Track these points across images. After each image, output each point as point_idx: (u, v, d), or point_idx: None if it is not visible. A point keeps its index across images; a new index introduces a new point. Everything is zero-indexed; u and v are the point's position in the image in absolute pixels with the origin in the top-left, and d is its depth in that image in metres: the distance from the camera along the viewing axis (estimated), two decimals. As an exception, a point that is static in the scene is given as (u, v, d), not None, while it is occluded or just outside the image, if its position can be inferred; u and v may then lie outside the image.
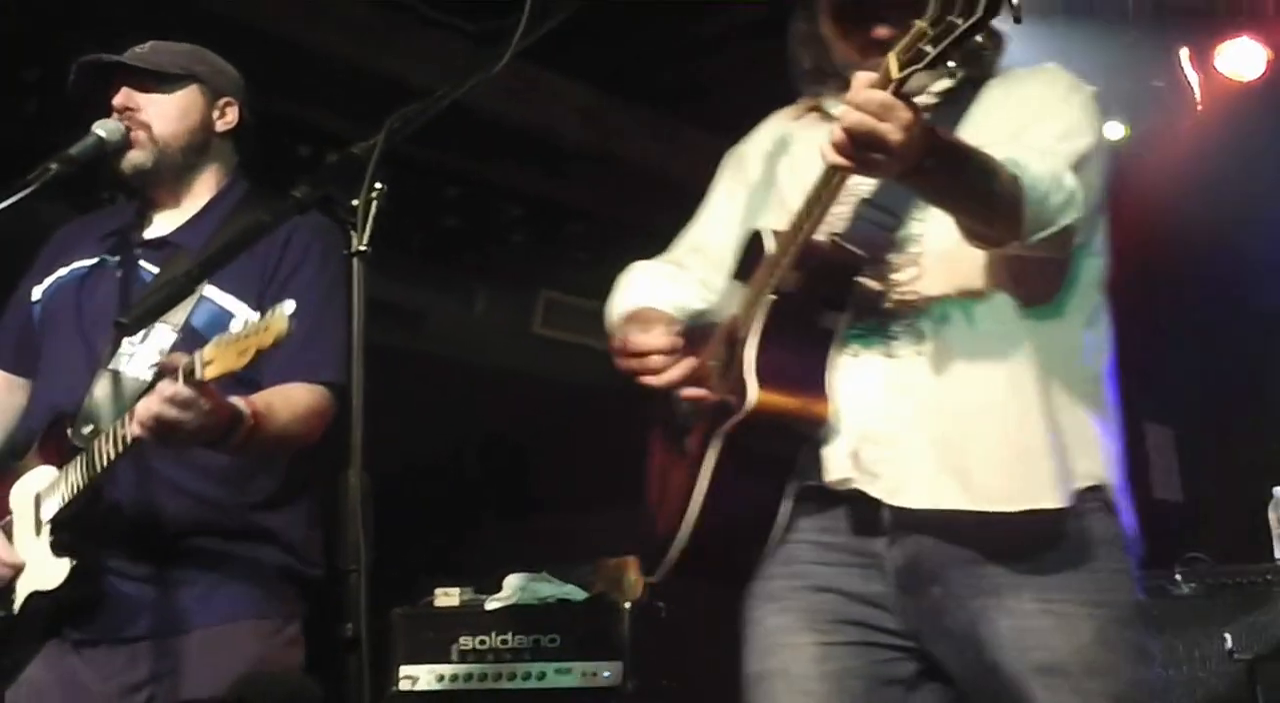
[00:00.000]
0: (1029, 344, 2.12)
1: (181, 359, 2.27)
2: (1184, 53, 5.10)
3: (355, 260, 1.83)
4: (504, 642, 4.06)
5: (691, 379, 2.18)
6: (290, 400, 2.55)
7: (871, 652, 2.12)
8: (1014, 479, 2.06)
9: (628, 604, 3.93)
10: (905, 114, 1.84)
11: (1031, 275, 2.15)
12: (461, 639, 4.10)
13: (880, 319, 2.14)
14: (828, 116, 2.31)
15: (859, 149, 1.85)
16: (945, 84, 2.23)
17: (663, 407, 2.28)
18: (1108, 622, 2.06)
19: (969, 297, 2.13)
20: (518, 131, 4.92)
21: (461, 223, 5.50)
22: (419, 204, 5.15)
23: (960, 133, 2.13)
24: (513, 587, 4.15)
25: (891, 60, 1.84)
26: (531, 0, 1.97)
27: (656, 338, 2.20)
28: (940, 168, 1.92)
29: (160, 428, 2.29)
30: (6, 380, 2.86)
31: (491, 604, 4.13)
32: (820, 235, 2.11)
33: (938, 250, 2.14)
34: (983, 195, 1.98)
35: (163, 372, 2.30)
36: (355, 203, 1.84)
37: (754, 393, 2.05)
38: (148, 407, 2.30)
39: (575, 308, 6.11)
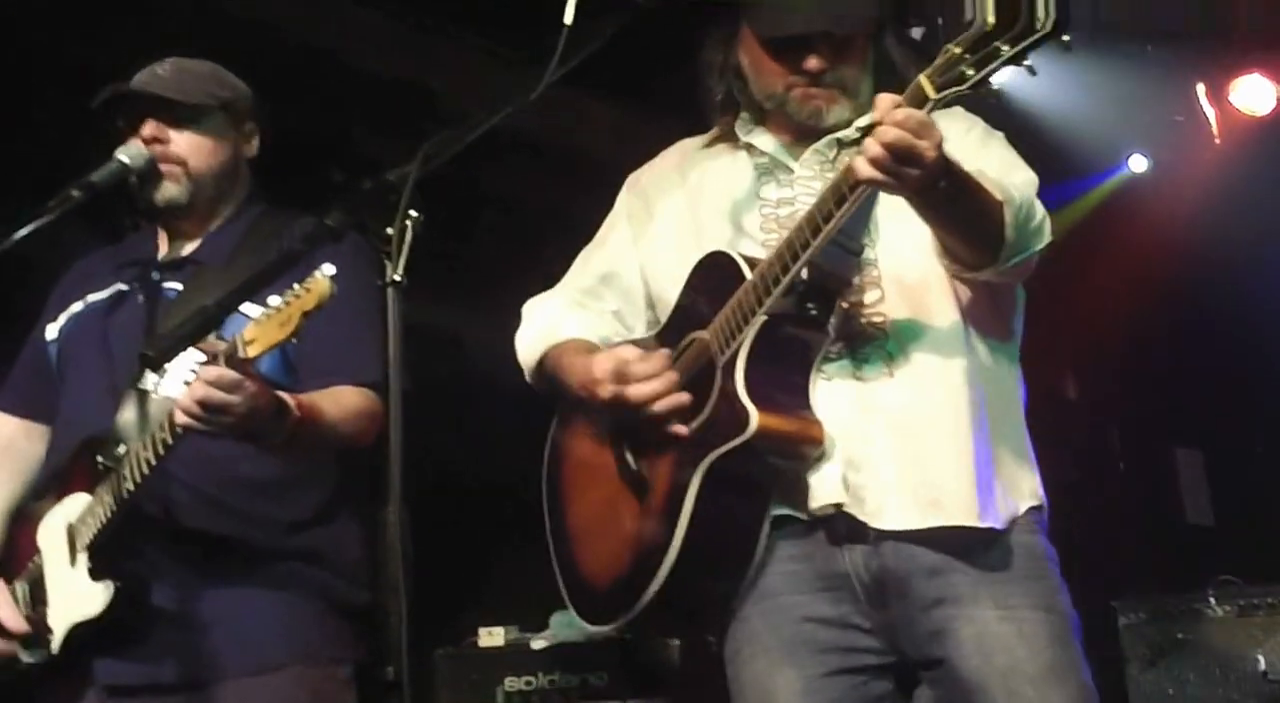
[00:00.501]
0: (982, 370, 2.25)
1: (221, 344, 2.20)
2: (1200, 88, 5.18)
3: (390, 291, 1.78)
4: (551, 682, 3.98)
5: (677, 410, 2.19)
6: (338, 401, 2.49)
7: (852, 677, 2.19)
8: (972, 498, 2.17)
9: (676, 640, 3.88)
10: (938, 133, 1.96)
11: (991, 306, 2.29)
12: (507, 681, 4.01)
13: (850, 342, 2.22)
14: (738, 146, 2.41)
15: (897, 163, 1.94)
16: (868, 120, 2.20)
17: (612, 429, 2.28)
18: (1061, 628, 2.20)
19: (929, 321, 2.23)
20: (550, 148, 4.92)
21: (495, 242, 5.47)
22: (454, 226, 5.10)
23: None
24: (558, 624, 4.05)
25: (925, 82, 1.94)
26: (567, 26, 1.96)
27: (655, 363, 2.20)
28: (952, 189, 2.02)
29: (208, 412, 2.23)
30: (25, 428, 2.81)
31: (537, 643, 4.03)
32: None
33: (894, 274, 2.24)
34: (975, 217, 2.09)
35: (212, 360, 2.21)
36: (390, 231, 1.80)
37: (755, 416, 2.08)
38: (192, 393, 2.23)
39: None
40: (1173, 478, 6.09)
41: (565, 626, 4.05)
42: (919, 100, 1.93)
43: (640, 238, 2.47)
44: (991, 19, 1.83)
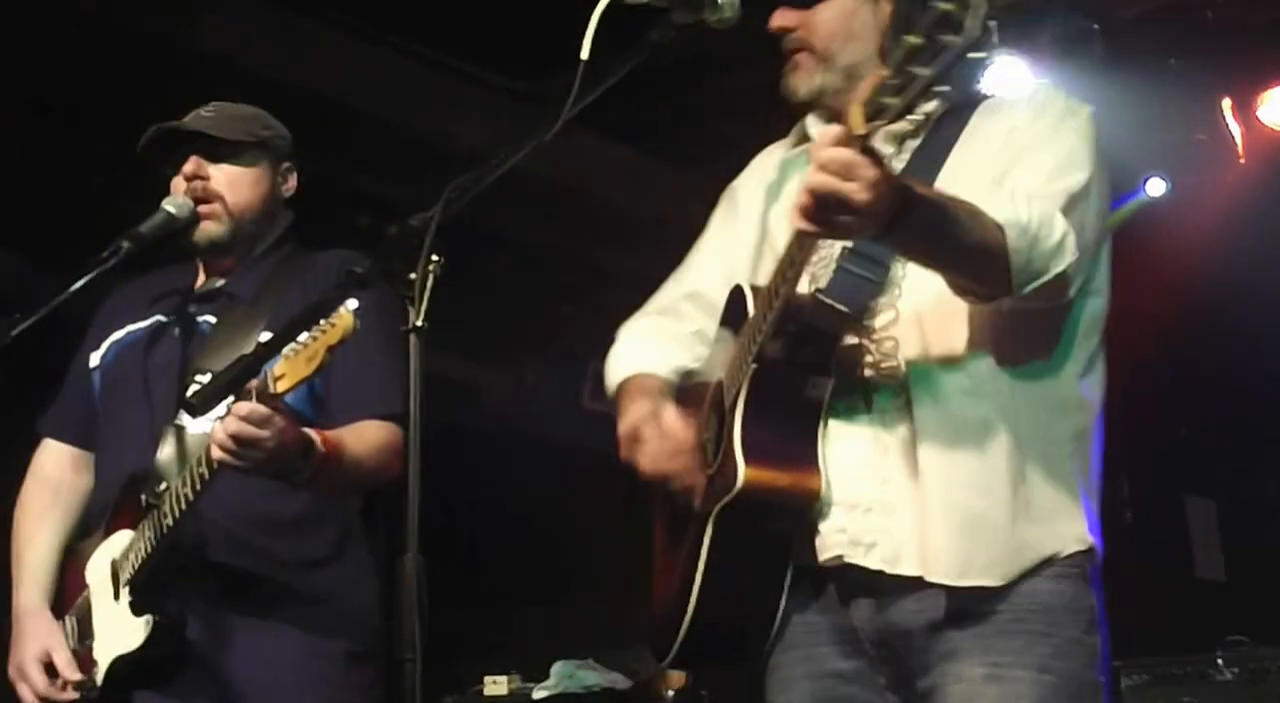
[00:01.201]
0: (1014, 406, 2.07)
1: (252, 381, 2.29)
2: (1226, 103, 4.98)
3: (412, 337, 1.84)
4: (552, 731, 4.08)
5: (685, 469, 2.15)
6: (363, 436, 2.57)
7: None
8: (972, 553, 2.02)
9: (671, 692, 4.02)
10: (869, 172, 1.75)
11: (1024, 330, 2.08)
12: (511, 728, 4.13)
13: (865, 379, 2.09)
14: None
15: (824, 212, 1.78)
16: (931, 107, 2.11)
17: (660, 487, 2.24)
18: (1054, 692, 2.03)
19: (953, 355, 2.07)
20: (566, 196, 5.01)
21: (512, 290, 5.56)
22: (474, 272, 5.19)
23: (946, 166, 2.09)
24: (559, 675, 4.22)
25: (855, 113, 1.75)
26: (583, 65, 1.99)
27: (668, 426, 2.17)
28: (917, 225, 1.85)
29: (240, 447, 2.31)
30: (73, 458, 2.90)
31: (539, 693, 4.23)
32: (803, 287, 2.05)
33: (920, 305, 2.08)
34: (965, 250, 1.93)
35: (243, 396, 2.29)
36: (412, 276, 1.86)
37: (742, 471, 2.02)
38: (225, 427, 2.32)
39: None
40: (1183, 529, 5.91)
41: (566, 677, 4.20)
42: (847, 136, 1.76)
43: (727, 250, 2.38)
44: (916, 39, 1.63)
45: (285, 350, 2.22)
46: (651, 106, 4.43)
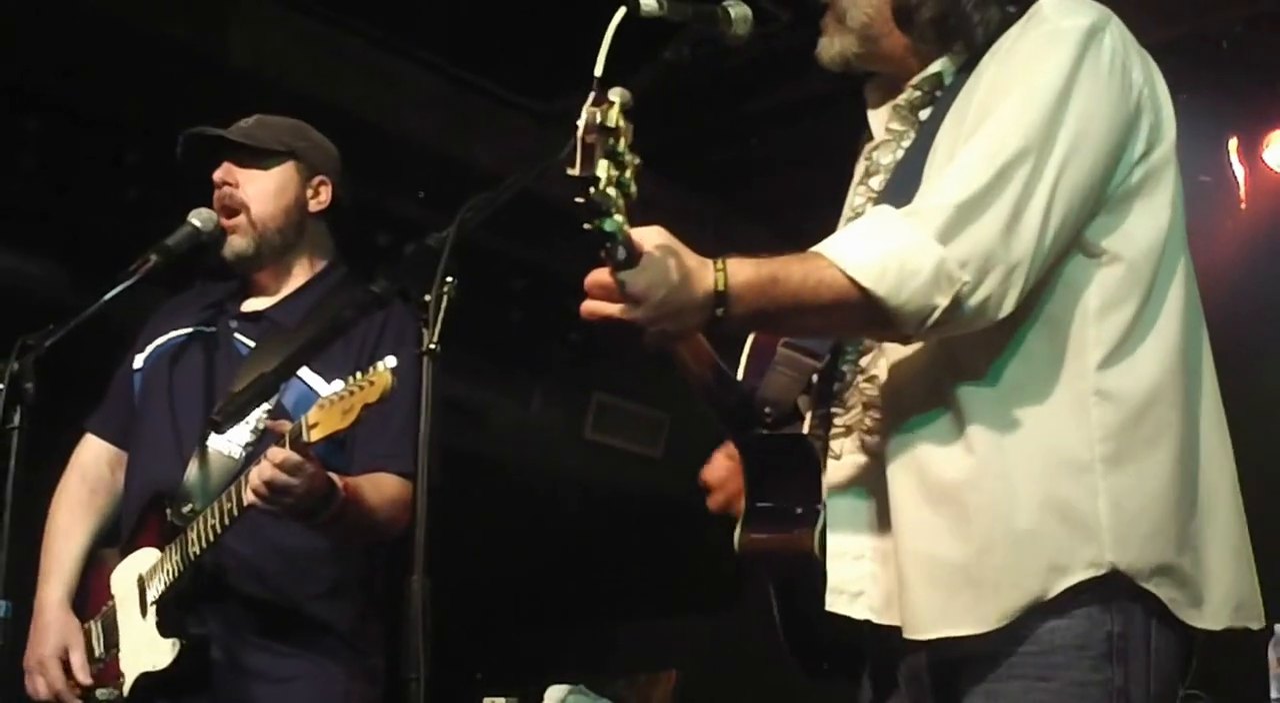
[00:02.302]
0: (1001, 424, 1.78)
1: (286, 425, 2.34)
2: (1233, 143, 4.72)
3: (425, 359, 1.82)
4: (546, 752, 4.13)
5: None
6: (380, 488, 2.59)
7: None
8: (943, 602, 1.79)
9: None
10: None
11: (998, 340, 1.80)
12: (507, 748, 4.18)
13: (858, 421, 1.92)
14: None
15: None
16: (935, 69, 1.92)
17: None
18: None
19: (929, 382, 1.84)
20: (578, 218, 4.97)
21: (524, 316, 5.52)
22: (486, 296, 5.16)
23: (935, 140, 1.87)
24: (553, 699, 4.24)
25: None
26: (596, 83, 1.98)
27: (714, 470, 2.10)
28: (744, 320, 1.72)
29: (271, 493, 2.35)
30: (111, 456, 2.92)
31: None
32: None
33: None
34: (819, 321, 1.78)
35: (267, 439, 2.38)
36: (427, 298, 1.83)
37: (736, 540, 1.95)
38: (260, 473, 2.35)
39: (627, 413, 6.01)
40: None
41: (558, 701, 4.23)
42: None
43: None
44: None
45: (322, 400, 2.25)
46: (672, 131, 4.39)
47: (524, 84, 4.77)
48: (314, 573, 2.66)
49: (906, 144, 1.95)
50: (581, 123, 1.55)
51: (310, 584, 2.65)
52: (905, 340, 1.80)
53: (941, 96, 1.91)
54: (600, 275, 1.64)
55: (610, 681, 4.42)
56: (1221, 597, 1.84)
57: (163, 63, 4.30)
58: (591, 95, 1.58)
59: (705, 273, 1.66)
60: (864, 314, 1.72)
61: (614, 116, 1.55)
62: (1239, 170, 4.71)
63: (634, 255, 1.62)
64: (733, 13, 1.92)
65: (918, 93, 1.94)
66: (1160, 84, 1.87)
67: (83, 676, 2.68)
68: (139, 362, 2.86)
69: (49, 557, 2.83)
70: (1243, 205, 4.68)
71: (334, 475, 2.45)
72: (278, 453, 2.34)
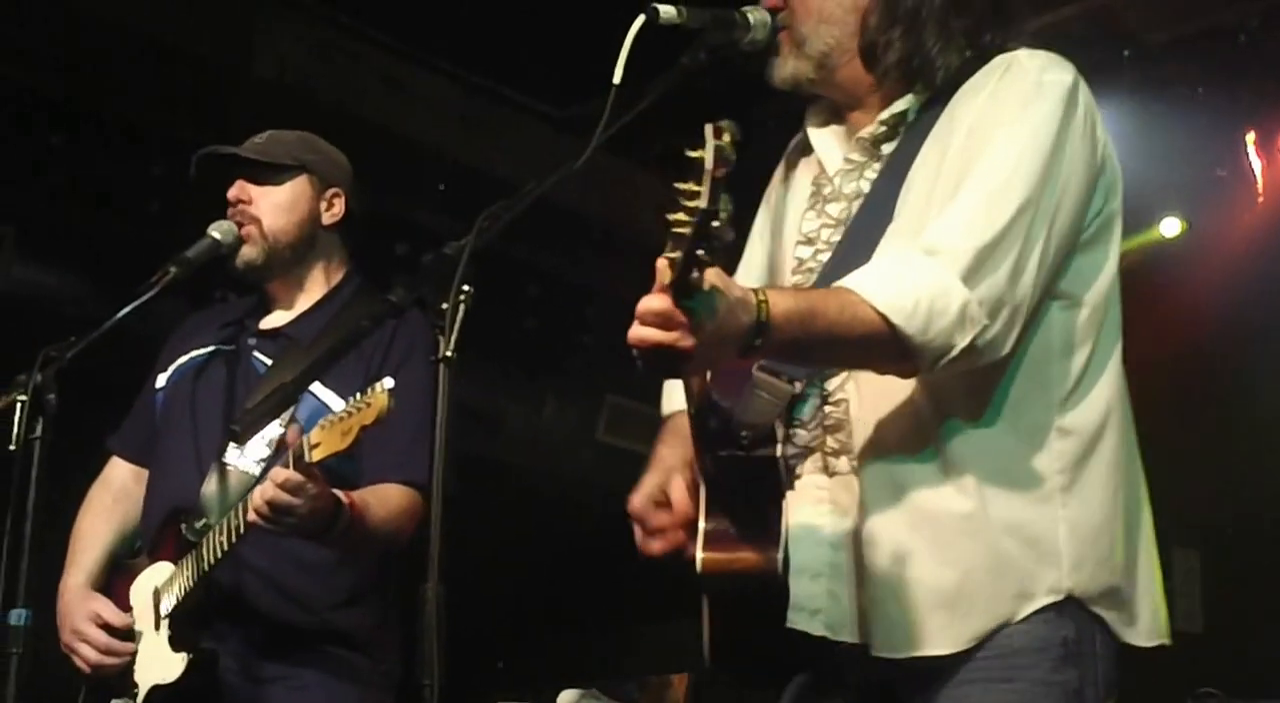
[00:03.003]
0: (967, 454, 1.85)
1: (295, 440, 2.34)
2: (1250, 137, 4.68)
3: (441, 366, 1.81)
4: (559, 757, 4.13)
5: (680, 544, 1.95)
6: (385, 501, 2.58)
7: None
8: (914, 624, 1.83)
9: None
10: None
11: (973, 374, 1.84)
12: (521, 753, 4.19)
13: (822, 443, 1.93)
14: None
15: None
16: (904, 104, 1.94)
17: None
18: None
19: (899, 408, 1.88)
20: (593, 225, 4.98)
21: (539, 322, 5.54)
22: (500, 302, 5.18)
23: (908, 178, 1.90)
24: (565, 702, 4.22)
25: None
26: (614, 91, 1.92)
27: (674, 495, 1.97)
28: (776, 348, 1.71)
29: (273, 513, 2.35)
30: (135, 473, 2.92)
31: None
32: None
33: None
34: (844, 356, 1.81)
35: (281, 454, 2.37)
36: (444, 306, 1.82)
37: (699, 562, 1.86)
38: (262, 493, 2.36)
39: (640, 415, 5.94)
40: (1165, 579, 5.71)
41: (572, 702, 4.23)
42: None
43: (748, 262, 2.18)
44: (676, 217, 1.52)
45: (324, 421, 2.26)
46: (682, 136, 4.37)
47: (540, 91, 4.77)
48: (331, 583, 2.65)
49: (871, 175, 1.98)
50: (710, 155, 1.51)
51: (327, 594, 2.65)
52: (912, 375, 1.84)
53: (906, 133, 1.95)
54: (657, 302, 1.59)
55: (623, 683, 4.40)
56: (1149, 615, 1.94)
57: (189, 77, 4.31)
58: (710, 127, 1.54)
59: (749, 303, 1.66)
60: (887, 349, 1.75)
61: (732, 145, 1.54)
62: (1257, 164, 4.70)
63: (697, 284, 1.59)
64: (752, 18, 1.94)
65: (882, 128, 1.97)
66: (1109, 141, 1.96)
67: (120, 620, 2.68)
68: (161, 381, 2.87)
69: (72, 553, 2.85)
70: (1260, 198, 4.69)
71: (340, 494, 2.45)
72: (280, 473, 2.34)
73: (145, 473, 2.89)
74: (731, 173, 1.52)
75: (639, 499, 1.99)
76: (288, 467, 2.33)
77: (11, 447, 2.34)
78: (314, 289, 2.84)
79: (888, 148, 1.97)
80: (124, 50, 4.25)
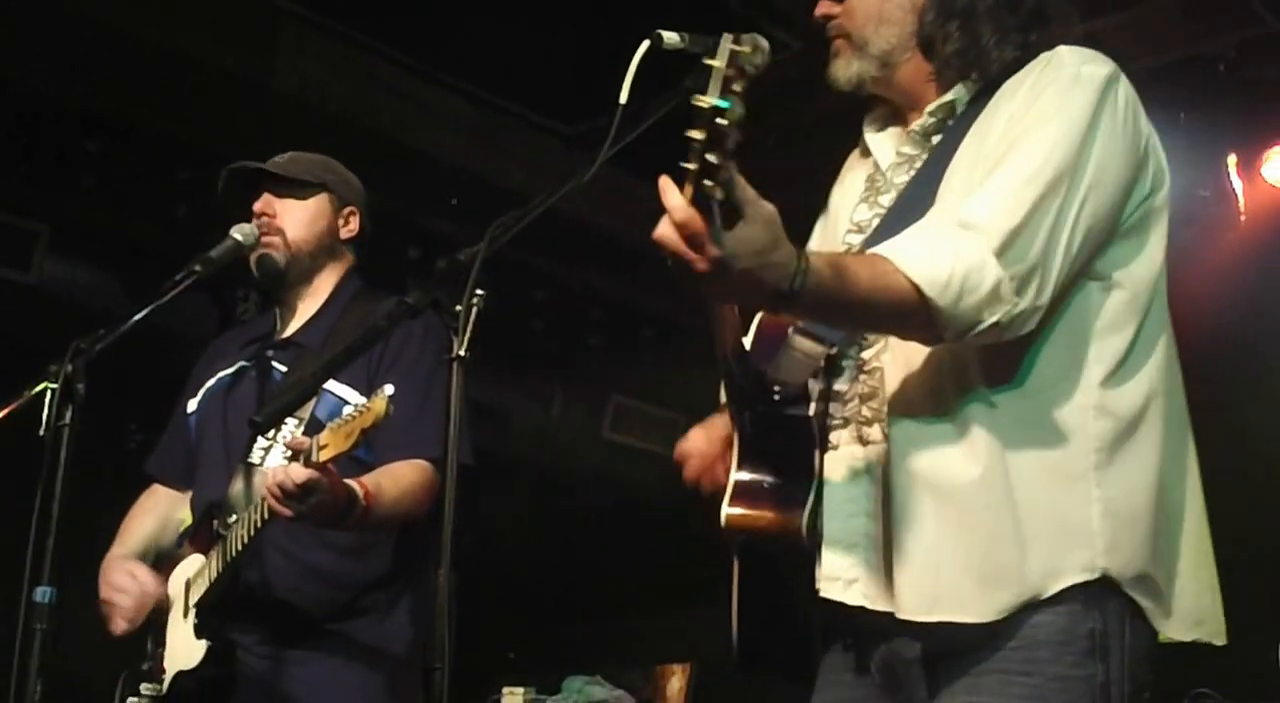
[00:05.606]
0: (1002, 427, 1.80)
1: (306, 442, 2.39)
2: (1231, 159, 4.63)
3: (455, 365, 1.84)
4: (562, 739, 4.17)
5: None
6: (398, 479, 2.61)
7: None
8: (941, 589, 1.78)
9: None
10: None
11: (1012, 347, 1.81)
12: (525, 735, 4.23)
13: (857, 412, 1.91)
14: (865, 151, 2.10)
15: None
16: (954, 94, 1.96)
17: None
18: None
19: (933, 378, 1.85)
20: (598, 234, 5.01)
21: (546, 325, 5.57)
22: (510, 305, 5.21)
23: (950, 166, 1.90)
24: (569, 689, 4.25)
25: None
26: (620, 109, 1.93)
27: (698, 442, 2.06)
28: (809, 304, 1.67)
29: (284, 496, 2.38)
30: (170, 496, 2.98)
31: None
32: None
33: None
34: (872, 320, 1.78)
35: (295, 457, 2.41)
36: (458, 308, 1.86)
37: (724, 514, 1.86)
38: (274, 474, 2.40)
39: (643, 414, 6.07)
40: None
41: (575, 691, 4.24)
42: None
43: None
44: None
45: (331, 424, 2.33)
46: (685, 154, 4.40)
47: (551, 109, 4.80)
48: (351, 575, 2.68)
49: (919, 166, 1.98)
50: (723, 58, 1.46)
51: (348, 585, 2.68)
52: (937, 343, 1.81)
53: (954, 124, 1.95)
54: (678, 211, 1.53)
55: (627, 671, 4.42)
56: (1185, 610, 1.86)
57: (214, 89, 4.36)
58: (729, 35, 1.50)
59: (789, 249, 1.62)
60: (917, 318, 1.73)
61: (756, 59, 1.50)
62: (1238, 185, 4.71)
63: (737, 208, 1.55)
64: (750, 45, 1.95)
65: (931, 119, 1.98)
66: (1157, 137, 1.94)
67: (150, 581, 2.72)
68: (192, 405, 2.93)
69: (119, 535, 2.92)
70: (1242, 218, 4.68)
71: (353, 483, 2.49)
72: (280, 471, 2.40)
73: (178, 495, 2.95)
74: (752, 80, 1.47)
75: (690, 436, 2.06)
76: (298, 463, 2.38)
77: (42, 432, 2.33)
78: (319, 294, 2.90)
79: (935, 139, 1.98)
80: (155, 66, 4.30)
